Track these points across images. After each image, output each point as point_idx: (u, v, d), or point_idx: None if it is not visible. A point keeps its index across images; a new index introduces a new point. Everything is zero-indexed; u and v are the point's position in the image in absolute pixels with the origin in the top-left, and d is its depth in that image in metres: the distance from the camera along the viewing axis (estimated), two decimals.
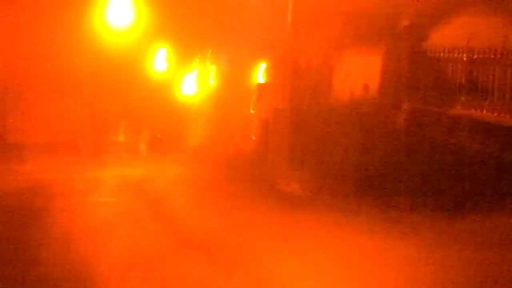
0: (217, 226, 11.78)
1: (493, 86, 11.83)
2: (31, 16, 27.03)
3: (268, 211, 13.35)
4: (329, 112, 15.54)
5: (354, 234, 10.54)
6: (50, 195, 16.13)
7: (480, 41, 12.09)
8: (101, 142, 30.32)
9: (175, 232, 11.35)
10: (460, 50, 12.36)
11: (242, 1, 24.57)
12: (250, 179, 18.84)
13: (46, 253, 9.30)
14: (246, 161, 25.51)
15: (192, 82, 49.41)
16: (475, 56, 12.10)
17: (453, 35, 12.70)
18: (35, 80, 28.86)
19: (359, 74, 14.96)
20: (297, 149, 17.08)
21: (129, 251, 9.58)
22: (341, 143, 14.61)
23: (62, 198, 15.64)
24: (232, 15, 26.40)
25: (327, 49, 17.34)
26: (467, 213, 11.14)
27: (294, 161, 17.07)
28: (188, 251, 9.68)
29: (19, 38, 27.51)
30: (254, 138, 33.49)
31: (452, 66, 12.58)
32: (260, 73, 38.94)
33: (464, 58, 12.29)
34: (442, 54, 12.78)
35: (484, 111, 11.64)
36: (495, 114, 11.46)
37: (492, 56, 11.87)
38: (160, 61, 40.05)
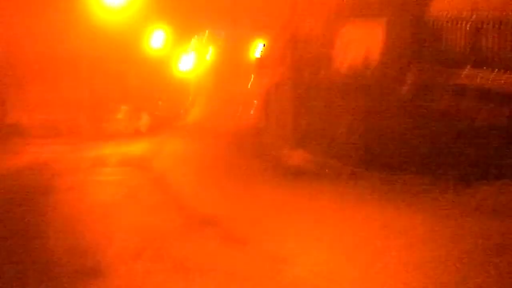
0: (226, 201, 11.77)
1: (499, 54, 11.74)
2: None
3: (277, 185, 13.34)
4: (331, 85, 15.40)
5: (361, 206, 10.55)
6: (54, 174, 16.13)
7: (484, 9, 11.97)
8: (101, 120, 30.26)
9: (184, 207, 11.32)
10: (464, 18, 12.24)
11: None
12: (253, 154, 18.81)
13: (60, 232, 9.29)
14: (248, 136, 25.44)
15: (190, 59, 49.22)
16: (480, 25, 11.99)
17: (457, 3, 12.56)
18: (33, 61, 28.73)
19: (361, 44, 14.78)
20: (299, 123, 16.99)
21: (140, 228, 9.58)
22: (345, 116, 14.51)
23: (67, 176, 15.64)
24: None
25: (328, 19, 17.14)
26: (474, 183, 11.13)
27: (297, 135, 16.99)
28: (199, 226, 9.67)
29: (17, 20, 27.35)
30: (253, 113, 33.41)
31: (456, 35, 12.46)
32: (259, 48, 38.73)
33: (468, 28, 12.17)
34: (446, 23, 12.65)
35: (490, 80, 11.55)
36: (502, 82, 11.38)
37: (497, 25, 11.76)
38: (158, 38, 39.83)
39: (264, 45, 28.18)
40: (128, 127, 30.85)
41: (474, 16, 12.20)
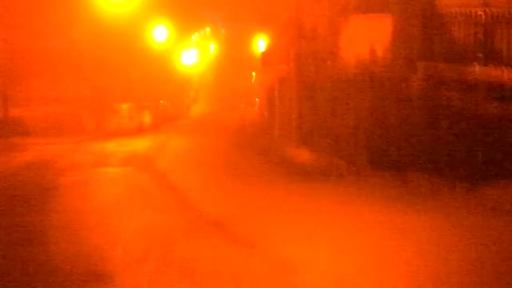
0: (231, 202, 11.59)
1: (509, 50, 11.55)
2: None
3: (283, 185, 13.16)
4: (337, 81, 15.15)
5: (369, 207, 10.37)
6: (59, 169, 15.99)
7: (495, 5, 11.78)
8: (103, 117, 30.11)
9: (188, 208, 11.14)
10: (475, 14, 12.03)
11: None
12: (257, 152, 18.63)
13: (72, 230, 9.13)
14: (252, 131, 25.28)
15: (193, 54, 48.99)
16: (490, 21, 11.79)
17: None
18: (35, 57, 28.61)
19: (367, 41, 14.54)
20: (304, 120, 16.78)
21: (145, 228, 9.40)
22: (351, 113, 14.29)
23: (72, 171, 15.48)
24: None
25: (333, 14, 16.93)
26: (484, 182, 10.95)
27: (301, 132, 16.79)
28: (205, 227, 9.49)
29: (20, 15, 27.22)
30: (257, 107, 33.22)
31: (466, 31, 12.25)
32: (263, 42, 38.48)
33: (478, 24, 11.98)
34: (455, 19, 12.43)
35: (501, 73, 11.35)
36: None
37: (507, 21, 11.57)
38: (160, 33, 39.64)
39: (268, 39, 27.95)
40: (130, 124, 30.67)
41: (484, 12, 11.99)
